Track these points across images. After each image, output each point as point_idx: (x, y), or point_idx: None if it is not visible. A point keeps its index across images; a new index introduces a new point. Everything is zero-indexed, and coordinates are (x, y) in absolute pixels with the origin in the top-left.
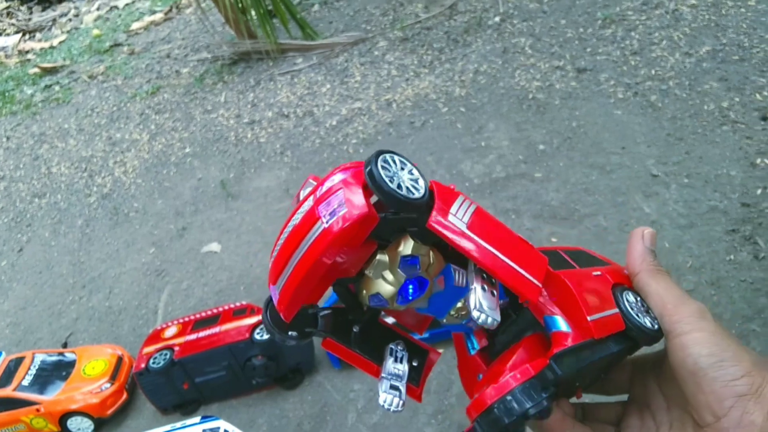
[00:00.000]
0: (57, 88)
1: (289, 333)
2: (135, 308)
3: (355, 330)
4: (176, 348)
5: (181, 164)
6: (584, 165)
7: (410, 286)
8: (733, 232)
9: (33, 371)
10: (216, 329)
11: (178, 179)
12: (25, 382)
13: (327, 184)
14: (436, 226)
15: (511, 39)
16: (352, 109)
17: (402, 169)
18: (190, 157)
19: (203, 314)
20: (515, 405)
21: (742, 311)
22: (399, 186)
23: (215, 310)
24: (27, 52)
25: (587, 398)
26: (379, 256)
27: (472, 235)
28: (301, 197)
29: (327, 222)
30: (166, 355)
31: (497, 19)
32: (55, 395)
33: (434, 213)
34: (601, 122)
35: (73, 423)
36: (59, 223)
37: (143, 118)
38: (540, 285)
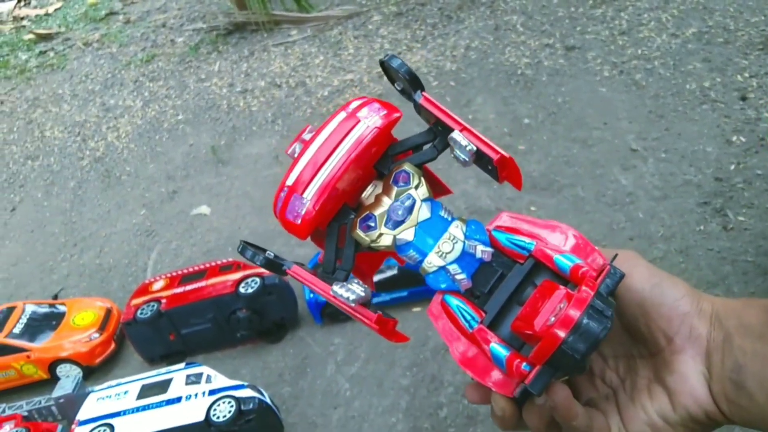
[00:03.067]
0: (52, 54)
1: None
2: (125, 266)
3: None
4: (163, 300)
5: (174, 130)
6: (567, 139)
7: (399, 205)
8: (704, 204)
9: (24, 320)
10: (203, 283)
11: (170, 145)
12: (16, 330)
13: (354, 104)
14: (425, 102)
15: (504, 17)
16: (344, 80)
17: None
18: (182, 124)
19: (191, 269)
20: (593, 325)
21: (707, 277)
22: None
23: (202, 266)
24: (22, 18)
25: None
26: (375, 181)
27: (450, 112)
28: (305, 138)
29: (371, 120)
30: (153, 306)
31: None
32: (45, 343)
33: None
34: (585, 98)
35: (62, 370)
36: (52, 184)
37: (137, 85)
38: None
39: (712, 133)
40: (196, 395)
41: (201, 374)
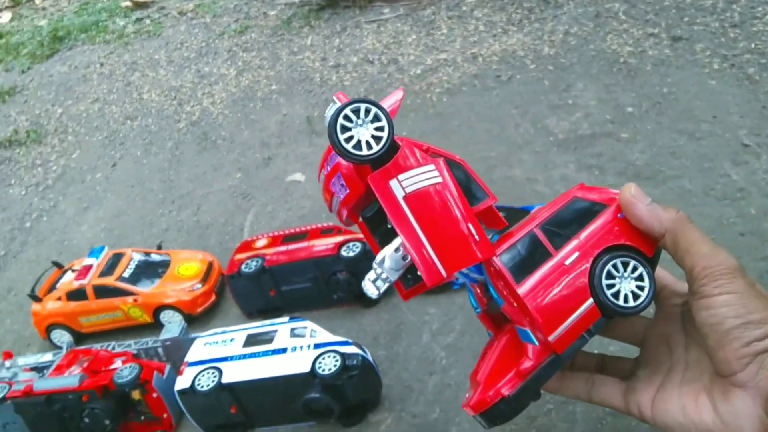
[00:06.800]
0: (148, 21)
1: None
2: (222, 225)
3: (368, 215)
4: (266, 257)
5: (267, 100)
6: (672, 130)
7: None
8: None
9: (132, 266)
10: (304, 244)
11: (264, 113)
12: (125, 275)
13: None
14: (371, 182)
15: (605, 4)
16: (437, 59)
17: (372, 122)
18: (276, 94)
19: (292, 230)
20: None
21: None
22: (350, 139)
23: (304, 228)
24: None
25: (606, 349)
26: None
27: (403, 205)
28: (326, 115)
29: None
30: (257, 262)
31: None
32: (151, 289)
33: (377, 172)
34: (693, 91)
35: (165, 316)
36: (150, 144)
37: (231, 54)
38: (444, 274)
39: None
40: (301, 347)
41: (305, 328)
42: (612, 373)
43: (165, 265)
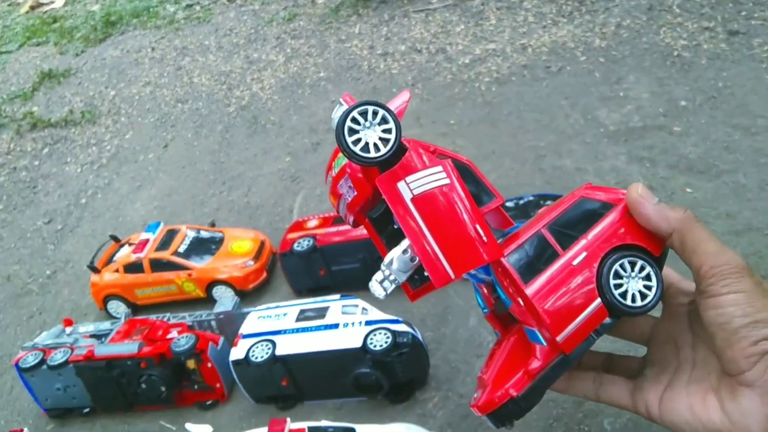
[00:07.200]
0: (197, 8)
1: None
2: (271, 206)
3: (374, 216)
4: (318, 237)
5: (316, 86)
6: (727, 124)
7: None
8: None
9: (187, 242)
10: None
11: (312, 99)
12: (180, 250)
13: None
14: (379, 184)
15: None
16: (486, 49)
17: (379, 124)
18: (324, 81)
19: None
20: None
21: None
22: (357, 141)
23: None
24: None
25: (614, 348)
26: None
27: (411, 207)
28: (333, 117)
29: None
30: (309, 241)
31: None
32: (205, 264)
33: (385, 174)
34: (750, 86)
35: (217, 291)
36: (201, 126)
37: (279, 41)
38: (452, 275)
39: None
40: (353, 324)
41: (356, 306)
42: (619, 372)
43: (218, 241)
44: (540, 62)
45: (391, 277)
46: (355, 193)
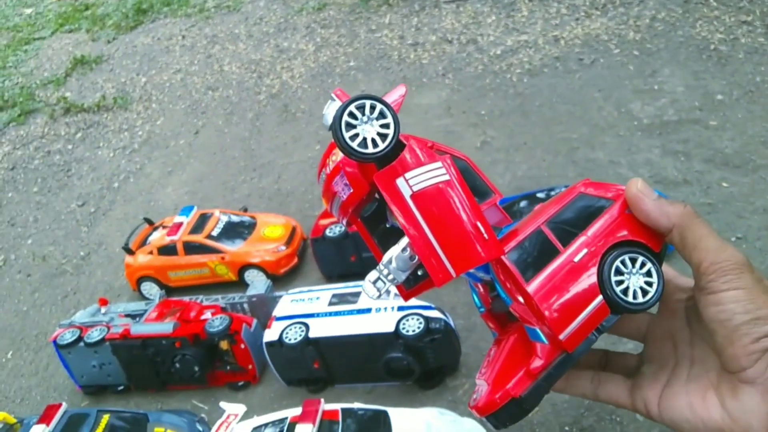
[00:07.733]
0: None
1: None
2: (302, 193)
3: (365, 215)
4: None
5: (345, 75)
6: (765, 119)
7: None
8: None
9: (221, 226)
10: None
11: (342, 88)
12: (214, 233)
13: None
14: (377, 181)
15: None
16: (517, 41)
17: (377, 118)
18: (354, 70)
19: None
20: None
21: None
22: (355, 136)
23: None
24: None
25: (610, 346)
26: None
27: (410, 204)
28: (325, 113)
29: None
30: (341, 227)
31: None
32: (238, 248)
33: (384, 170)
34: None
35: (249, 275)
36: (231, 114)
37: (309, 31)
38: (453, 274)
39: None
40: (385, 309)
41: (389, 292)
42: (616, 369)
43: (251, 226)
44: (573, 54)
45: (389, 277)
46: (351, 190)
